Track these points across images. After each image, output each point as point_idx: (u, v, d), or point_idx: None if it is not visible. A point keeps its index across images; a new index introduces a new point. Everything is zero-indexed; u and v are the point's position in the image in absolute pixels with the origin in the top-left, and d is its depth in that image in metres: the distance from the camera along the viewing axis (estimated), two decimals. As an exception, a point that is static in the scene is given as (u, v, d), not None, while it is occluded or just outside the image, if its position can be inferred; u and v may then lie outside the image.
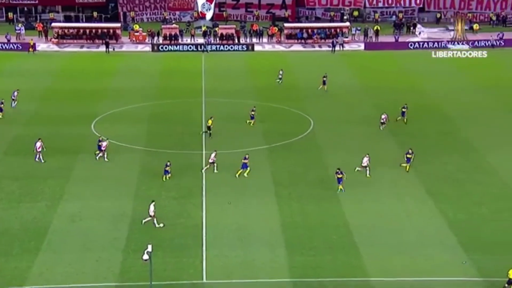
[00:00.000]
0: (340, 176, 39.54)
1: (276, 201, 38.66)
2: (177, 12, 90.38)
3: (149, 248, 28.18)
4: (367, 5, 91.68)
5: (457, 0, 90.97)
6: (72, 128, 50.35)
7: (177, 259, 32.88)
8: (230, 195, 38.64)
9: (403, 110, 51.46)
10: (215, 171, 42.09)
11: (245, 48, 77.77)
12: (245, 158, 41.62)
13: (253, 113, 50.98)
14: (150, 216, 35.65)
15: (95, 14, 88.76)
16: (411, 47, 78.82)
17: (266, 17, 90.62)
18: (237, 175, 41.27)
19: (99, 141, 44.62)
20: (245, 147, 46.24)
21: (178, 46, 77.83)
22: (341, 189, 39.35)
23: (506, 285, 30.64)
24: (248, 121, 50.85)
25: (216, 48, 77.44)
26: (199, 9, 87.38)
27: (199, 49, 77.29)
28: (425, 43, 79.10)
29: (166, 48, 77.61)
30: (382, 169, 42.78)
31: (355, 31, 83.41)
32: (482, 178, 41.58)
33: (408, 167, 42.20)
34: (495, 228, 35.58)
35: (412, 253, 33.26)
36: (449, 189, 39.87)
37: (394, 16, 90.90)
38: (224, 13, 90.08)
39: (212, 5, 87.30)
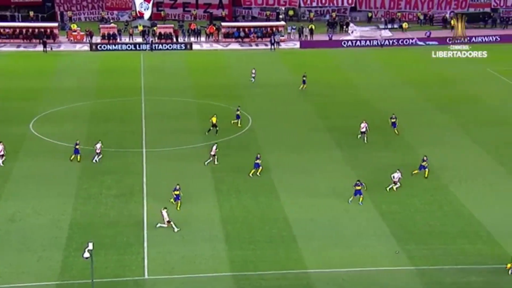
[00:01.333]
0: (359, 188, 37.74)
1: (216, 196, 38.53)
2: (115, 12, 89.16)
3: (90, 246, 27.68)
4: (302, 4, 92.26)
5: (387, 0, 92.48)
6: (10, 128, 49.15)
7: (119, 257, 32.42)
8: (170, 193, 38.32)
9: (393, 120, 48.67)
10: (216, 163, 42.53)
11: (184, 47, 77.27)
12: (257, 158, 41.39)
13: (238, 112, 50.33)
14: (167, 222, 34.54)
15: (31, 13, 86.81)
16: (344, 45, 79.73)
17: (204, 16, 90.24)
18: (250, 174, 40.99)
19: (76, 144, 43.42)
20: (183, 144, 45.99)
21: (116, 46, 76.83)
22: (360, 201, 37.67)
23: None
24: (233, 121, 49.87)
25: (155, 47, 76.73)
26: (137, 9, 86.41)
27: (137, 48, 76.45)
28: (358, 41, 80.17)
29: (104, 47, 76.49)
30: (319, 165, 43.17)
31: (291, 30, 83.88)
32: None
33: (427, 172, 40.92)
34: (426, 219, 36.24)
35: (348, 245, 33.58)
36: (383, 182, 40.43)
37: (327, 15, 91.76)
38: (162, 12, 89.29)
39: (150, 5, 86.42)
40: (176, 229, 34.62)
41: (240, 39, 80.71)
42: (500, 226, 35.17)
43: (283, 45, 79.17)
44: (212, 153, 42.94)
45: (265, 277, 30.99)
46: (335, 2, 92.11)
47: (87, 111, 53.56)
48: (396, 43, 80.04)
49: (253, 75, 62.51)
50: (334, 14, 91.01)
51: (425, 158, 41.43)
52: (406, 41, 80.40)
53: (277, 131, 49.52)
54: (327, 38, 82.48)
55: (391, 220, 36.06)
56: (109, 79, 63.79)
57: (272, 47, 77.25)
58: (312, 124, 50.89)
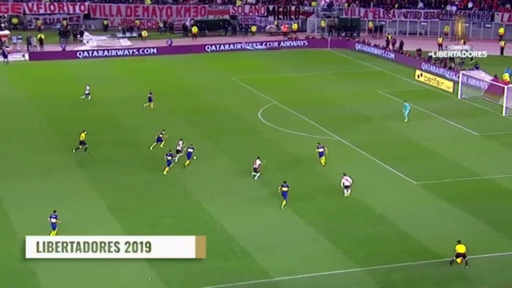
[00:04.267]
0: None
1: None
2: None
3: None
4: (27, 11, 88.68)
5: (123, 7, 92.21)
6: None
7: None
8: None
9: (320, 150, 45.45)
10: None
11: None
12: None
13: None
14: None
15: None
16: (80, 56, 77.88)
17: None
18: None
19: None
20: None
21: None
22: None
23: (455, 258, 32.90)
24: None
25: None
26: None
27: None
28: (95, 51, 78.75)
29: None
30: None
31: (16, 40, 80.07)
32: (165, 189, 42.17)
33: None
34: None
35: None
36: (132, 204, 39.72)
37: (58, 24, 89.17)
38: None
39: None
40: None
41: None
42: (253, 240, 36.05)
43: (10, 57, 75.24)
44: (179, 148, 44.97)
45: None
46: (65, 9, 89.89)
47: None
48: (136, 52, 79.84)
49: (86, 92, 60.42)
50: (65, 23, 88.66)
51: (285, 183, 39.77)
52: (147, 50, 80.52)
53: None
54: (60, 49, 80.00)
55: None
56: None
57: (5, 59, 73.40)
58: (43, 143, 48.85)
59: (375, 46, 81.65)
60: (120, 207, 39.00)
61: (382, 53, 79.65)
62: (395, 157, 47.45)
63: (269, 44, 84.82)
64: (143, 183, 42.32)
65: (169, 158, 44.44)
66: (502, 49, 79.77)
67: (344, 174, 41.28)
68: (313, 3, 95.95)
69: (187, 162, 45.24)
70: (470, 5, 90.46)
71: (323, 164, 45.45)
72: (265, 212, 39.22)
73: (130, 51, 79.91)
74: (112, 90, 64.18)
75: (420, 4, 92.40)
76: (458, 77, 64.26)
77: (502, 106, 57.75)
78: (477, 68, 68.23)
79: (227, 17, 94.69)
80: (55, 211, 36.03)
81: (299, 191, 41.21)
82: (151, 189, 41.89)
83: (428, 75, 68.25)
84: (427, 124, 54.71)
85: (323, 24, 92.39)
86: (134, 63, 76.05)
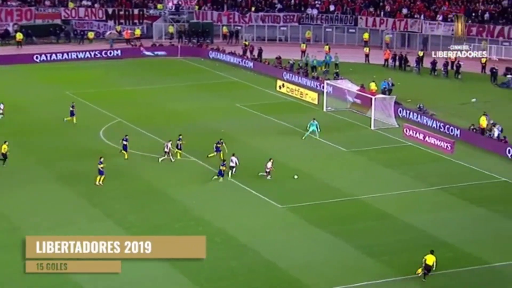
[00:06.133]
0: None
1: None
2: None
3: None
4: None
5: None
6: None
7: None
8: None
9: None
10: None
11: None
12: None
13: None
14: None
15: None
16: None
17: None
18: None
19: None
20: None
21: None
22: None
23: (425, 271, 35.39)
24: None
25: None
26: None
27: None
28: None
29: None
30: None
31: None
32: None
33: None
34: None
35: None
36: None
37: None
38: None
39: None
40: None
41: None
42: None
43: None
44: (166, 150, 50.49)
45: None
46: None
47: None
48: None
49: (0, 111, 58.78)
50: None
51: None
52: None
53: None
54: None
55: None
56: None
57: None
58: None
59: (231, 54, 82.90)
60: None
61: (239, 62, 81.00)
62: (258, 178, 48.26)
63: (110, 53, 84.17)
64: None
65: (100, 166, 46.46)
66: (367, 56, 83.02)
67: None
68: (159, 6, 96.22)
69: (126, 155, 50.72)
70: (332, 8, 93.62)
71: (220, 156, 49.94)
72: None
73: None
74: None
75: (279, 6, 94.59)
76: (323, 87, 66.33)
77: (370, 118, 60.09)
78: (337, 75, 70.83)
79: (58, 21, 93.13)
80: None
81: (154, 222, 41.26)
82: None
83: (291, 86, 70.04)
84: (291, 141, 56.05)
85: (171, 29, 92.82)
86: None
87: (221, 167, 47.58)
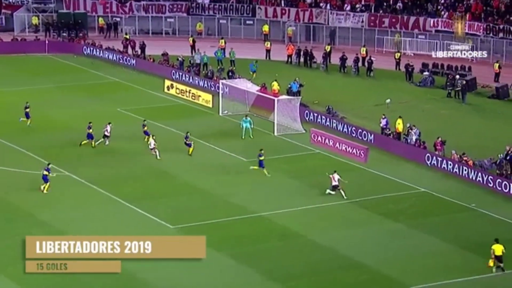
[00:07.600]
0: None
1: None
2: None
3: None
4: None
5: None
6: None
7: None
8: None
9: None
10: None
11: None
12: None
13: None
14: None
15: None
16: None
17: None
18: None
19: None
20: None
21: None
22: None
23: (499, 263, 37.64)
24: None
25: None
26: None
27: None
28: None
29: None
30: None
31: None
32: None
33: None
34: None
35: None
36: None
37: None
38: None
39: None
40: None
41: None
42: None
43: None
44: (151, 147, 54.03)
45: None
46: None
47: None
48: None
49: None
50: None
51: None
52: None
53: None
54: None
55: None
56: None
57: None
58: None
59: (109, 49, 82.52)
60: None
61: (119, 59, 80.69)
62: (145, 195, 48.37)
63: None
64: None
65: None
66: (267, 51, 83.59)
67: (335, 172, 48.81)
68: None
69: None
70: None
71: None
72: None
73: None
74: None
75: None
76: (218, 88, 66.69)
77: (273, 123, 60.74)
78: (232, 73, 71.22)
79: None
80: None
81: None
82: None
83: (181, 86, 70.18)
84: (181, 150, 56.10)
85: (35, 20, 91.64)
86: None
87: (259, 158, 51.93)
